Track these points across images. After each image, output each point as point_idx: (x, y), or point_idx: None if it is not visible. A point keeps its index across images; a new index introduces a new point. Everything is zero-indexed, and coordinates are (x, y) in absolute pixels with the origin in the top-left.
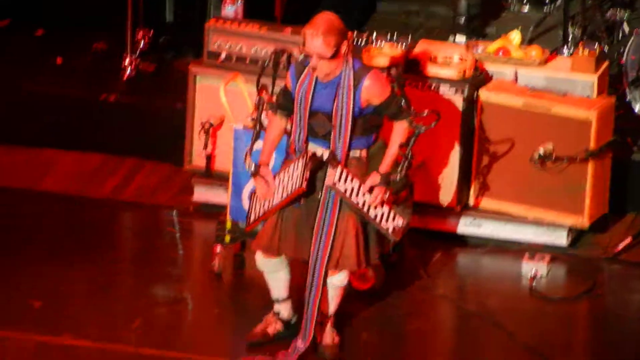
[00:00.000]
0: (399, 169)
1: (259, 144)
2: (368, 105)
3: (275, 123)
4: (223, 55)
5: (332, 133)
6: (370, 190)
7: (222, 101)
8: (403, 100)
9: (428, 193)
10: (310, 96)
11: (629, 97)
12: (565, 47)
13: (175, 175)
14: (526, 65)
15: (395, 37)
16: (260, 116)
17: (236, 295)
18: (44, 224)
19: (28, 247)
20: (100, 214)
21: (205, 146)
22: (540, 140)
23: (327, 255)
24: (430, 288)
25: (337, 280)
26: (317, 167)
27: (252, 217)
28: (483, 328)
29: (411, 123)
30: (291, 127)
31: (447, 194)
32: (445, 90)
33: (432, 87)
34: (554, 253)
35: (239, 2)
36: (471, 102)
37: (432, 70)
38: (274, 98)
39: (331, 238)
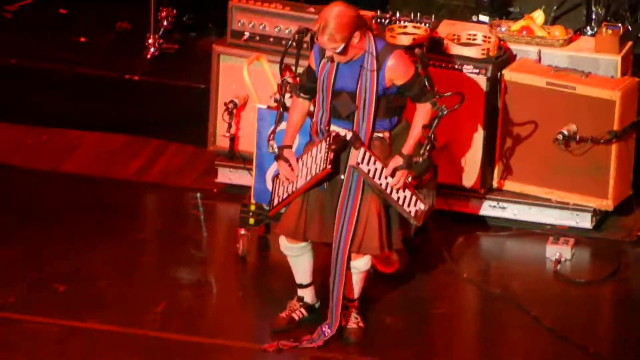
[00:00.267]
0: (422, 151)
1: (282, 126)
2: (392, 84)
3: (298, 105)
4: (246, 35)
5: (356, 114)
6: (393, 172)
7: (245, 81)
8: (426, 81)
9: (452, 175)
10: (332, 76)
11: None
12: (589, 26)
13: (199, 156)
14: (550, 45)
15: (418, 17)
16: (284, 98)
17: (260, 278)
18: (67, 206)
19: (52, 229)
20: (124, 195)
21: (229, 127)
22: (563, 120)
23: (350, 238)
24: (455, 271)
25: (360, 265)
26: (340, 148)
27: (276, 201)
28: (507, 311)
29: (434, 105)
30: (314, 109)
31: (471, 176)
32: (469, 70)
33: (456, 67)
34: (578, 236)
35: None
36: (495, 82)
37: (456, 50)
38: (298, 79)
39: (354, 221)
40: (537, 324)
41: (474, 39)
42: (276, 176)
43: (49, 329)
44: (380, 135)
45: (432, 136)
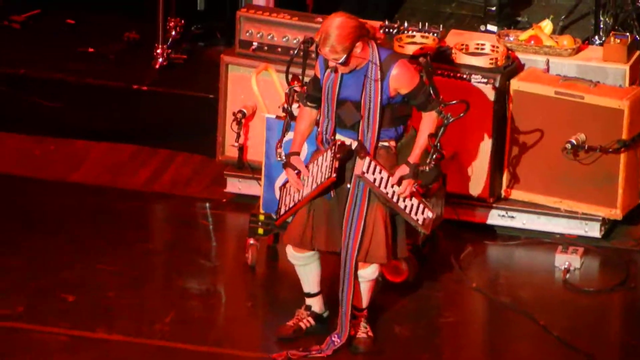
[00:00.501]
0: (428, 160)
1: (290, 135)
2: (396, 94)
3: (305, 114)
4: (255, 45)
5: (361, 123)
6: (400, 181)
7: (254, 91)
8: (431, 90)
9: (460, 184)
10: (337, 86)
11: None
12: (597, 36)
13: (207, 166)
14: (558, 54)
15: (426, 27)
16: (291, 107)
17: (269, 288)
18: (75, 216)
19: (60, 239)
20: (133, 205)
21: (238, 137)
22: (571, 130)
23: (357, 247)
24: (463, 280)
25: (368, 274)
26: (345, 157)
27: (282, 210)
28: (516, 320)
29: (440, 113)
30: (320, 118)
31: (479, 186)
32: (477, 80)
33: (464, 77)
34: (587, 245)
35: None
36: (503, 92)
37: (464, 59)
38: (304, 88)
39: (361, 230)
40: (546, 333)
41: (482, 49)
42: (283, 185)
43: (58, 338)
44: (386, 144)
45: (438, 145)
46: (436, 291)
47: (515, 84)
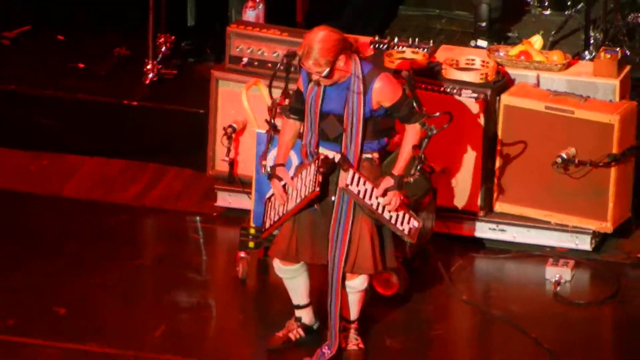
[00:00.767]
0: (412, 171)
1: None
2: (379, 106)
3: (288, 126)
4: (245, 60)
5: (344, 136)
6: (384, 193)
7: (244, 106)
8: (414, 102)
9: (451, 198)
10: (320, 99)
11: None
12: (587, 51)
13: (198, 180)
14: (548, 69)
15: (416, 42)
16: (274, 119)
17: (260, 301)
18: (67, 230)
19: (51, 253)
20: (124, 220)
21: (228, 151)
22: (562, 144)
23: (344, 259)
24: (454, 293)
25: (356, 284)
26: (329, 170)
27: (267, 223)
28: (507, 333)
29: (423, 125)
30: (303, 130)
31: (470, 199)
32: (467, 95)
33: (454, 92)
34: (577, 258)
35: (261, 6)
36: (493, 107)
37: (454, 75)
38: (287, 101)
39: (347, 242)
40: (537, 345)
41: (473, 64)
42: (268, 199)
43: (49, 352)
44: (369, 156)
45: (423, 156)
46: (427, 304)
47: (505, 99)
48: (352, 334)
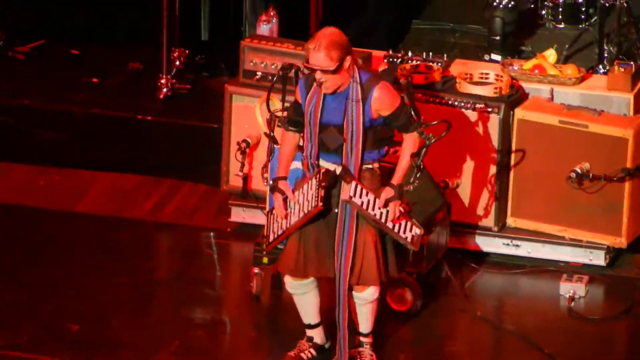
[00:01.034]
0: (411, 179)
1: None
2: (378, 116)
3: (287, 138)
4: (259, 74)
5: (344, 147)
6: (386, 204)
7: (258, 120)
8: (413, 111)
9: (465, 213)
10: (319, 110)
11: None
12: (601, 64)
13: (212, 195)
14: (562, 83)
15: (430, 56)
16: (273, 132)
17: (274, 317)
18: (80, 246)
19: (64, 269)
20: (138, 235)
21: (242, 166)
22: (576, 158)
23: (349, 271)
24: (468, 309)
25: (367, 295)
26: (331, 183)
27: (271, 237)
28: (521, 349)
29: (422, 134)
30: (304, 143)
31: (484, 215)
32: (481, 109)
33: (468, 106)
34: (592, 273)
35: (274, 20)
36: (507, 121)
37: (468, 88)
38: (285, 113)
39: (351, 253)
40: None
41: (487, 78)
42: (270, 211)
43: None
44: (370, 166)
45: (421, 164)
46: (441, 320)
47: (519, 113)
48: (367, 350)
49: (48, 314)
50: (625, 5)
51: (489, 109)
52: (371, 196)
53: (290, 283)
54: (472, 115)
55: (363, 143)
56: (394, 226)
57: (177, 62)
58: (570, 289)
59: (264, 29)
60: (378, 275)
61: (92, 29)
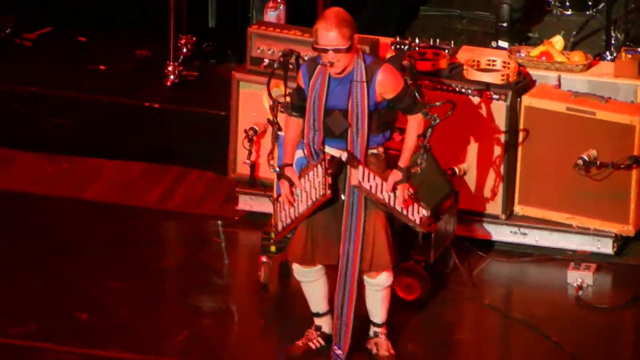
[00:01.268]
0: (419, 160)
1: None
2: (382, 99)
3: (291, 124)
4: (266, 61)
5: (349, 131)
6: (394, 187)
7: (265, 107)
8: (416, 93)
9: (472, 202)
10: (324, 94)
11: None
12: (608, 51)
13: (220, 183)
14: (569, 70)
15: (437, 43)
16: (276, 118)
17: (282, 305)
18: (88, 234)
19: (72, 257)
20: (145, 223)
21: (249, 154)
22: (583, 146)
23: (359, 255)
24: (476, 297)
25: (382, 281)
26: (337, 170)
27: (280, 226)
28: (529, 337)
29: (427, 114)
30: (305, 129)
31: (491, 203)
32: (489, 96)
33: (475, 93)
34: (599, 261)
35: (282, 7)
36: (514, 108)
37: (475, 75)
38: (288, 99)
39: (360, 238)
40: (559, 350)
41: (494, 65)
42: (276, 199)
43: (71, 357)
44: (375, 151)
45: (428, 145)
46: (449, 308)
47: (526, 100)
48: (383, 340)
49: (56, 303)
50: None
51: (496, 96)
52: (379, 180)
53: (299, 270)
54: (479, 103)
55: (368, 126)
56: (402, 209)
57: (185, 49)
58: (578, 277)
59: (271, 15)
60: (390, 259)
61: (100, 16)
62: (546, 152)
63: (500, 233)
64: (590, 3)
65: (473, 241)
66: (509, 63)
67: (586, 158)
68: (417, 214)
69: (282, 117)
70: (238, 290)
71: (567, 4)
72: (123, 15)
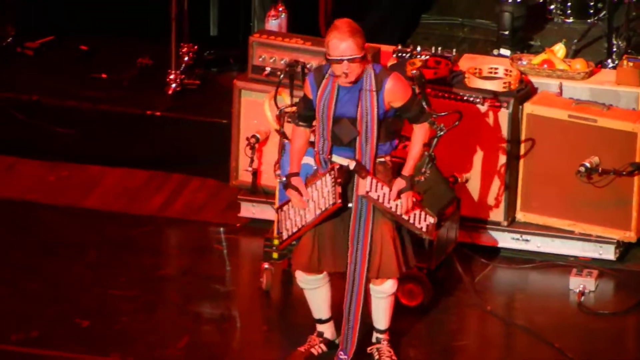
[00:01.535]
0: (423, 169)
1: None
2: (390, 107)
3: (298, 134)
4: (267, 70)
5: (358, 139)
6: (398, 196)
7: (267, 115)
8: (424, 102)
9: (475, 208)
10: (333, 103)
11: None
12: (610, 59)
13: (221, 191)
14: (571, 78)
15: (439, 51)
16: (283, 127)
17: (284, 312)
18: (90, 241)
19: (74, 264)
20: (147, 231)
21: (251, 162)
22: (585, 153)
23: (366, 264)
24: (478, 304)
25: (387, 288)
26: (345, 179)
27: (285, 235)
28: (531, 344)
29: (433, 124)
30: (314, 138)
31: (493, 209)
32: (490, 104)
33: (477, 101)
34: (601, 267)
35: (283, 15)
36: (516, 116)
37: (477, 83)
38: (295, 109)
39: (368, 246)
40: (561, 356)
41: (496, 73)
42: (280, 208)
43: None
44: (382, 160)
45: (433, 154)
46: (451, 315)
47: (528, 108)
48: (386, 347)
49: (58, 310)
50: None
51: (498, 104)
52: (386, 189)
53: (304, 278)
54: (481, 110)
55: (377, 134)
56: (409, 217)
57: (186, 58)
58: (580, 283)
59: (272, 24)
60: (398, 268)
61: (101, 25)
62: (548, 159)
63: (503, 240)
64: (591, 11)
65: (475, 248)
66: (510, 71)
67: (588, 165)
68: (424, 221)
69: (288, 127)
70: (240, 297)
71: (569, 11)
72: (124, 24)
